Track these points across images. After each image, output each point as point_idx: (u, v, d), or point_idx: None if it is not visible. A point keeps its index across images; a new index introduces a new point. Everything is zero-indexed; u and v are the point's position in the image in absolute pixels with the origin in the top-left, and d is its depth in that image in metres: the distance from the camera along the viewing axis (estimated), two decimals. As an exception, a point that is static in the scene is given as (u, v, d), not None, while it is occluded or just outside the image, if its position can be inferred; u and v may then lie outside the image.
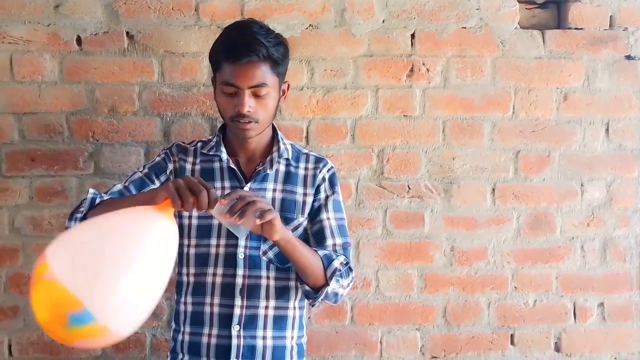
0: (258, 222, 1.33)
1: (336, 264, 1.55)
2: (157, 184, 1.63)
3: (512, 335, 2.06)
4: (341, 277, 1.57)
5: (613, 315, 2.08)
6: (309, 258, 1.51)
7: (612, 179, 2.08)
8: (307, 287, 1.57)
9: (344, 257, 1.61)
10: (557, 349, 2.07)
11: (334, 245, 1.63)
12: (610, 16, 2.06)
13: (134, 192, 1.60)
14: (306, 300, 1.64)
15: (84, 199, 1.55)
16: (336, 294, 1.58)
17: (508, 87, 2.05)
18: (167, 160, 1.68)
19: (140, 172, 1.66)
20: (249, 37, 1.50)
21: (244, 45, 1.48)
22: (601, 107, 2.07)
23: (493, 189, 2.06)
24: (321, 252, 1.56)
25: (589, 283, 2.07)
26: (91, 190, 1.56)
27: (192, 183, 1.28)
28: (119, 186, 1.62)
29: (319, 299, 1.57)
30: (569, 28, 2.06)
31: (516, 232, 2.06)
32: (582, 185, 2.07)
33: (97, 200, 1.54)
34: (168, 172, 1.66)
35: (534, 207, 2.06)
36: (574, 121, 2.07)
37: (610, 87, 2.07)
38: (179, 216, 1.61)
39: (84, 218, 1.51)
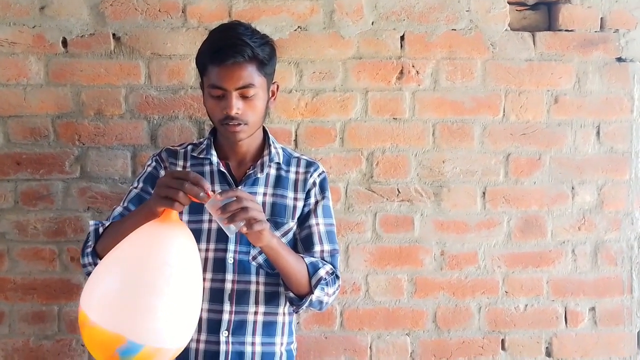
0: (244, 230, 1.31)
1: (322, 272, 1.54)
2: None
3: (502, 340, 2.05)
4: (327, 285, 1.55)
5: (604, 319, 2.06)
6: (293, 265, 1.49)
7: (603, 182, 2.06)
8: (291, 294, 1.55)
9: (331, 266, 1.60)
10: (548, 353, 2.05)
11: (322, 251, 1.61)
12: (601, 18, 2.05)
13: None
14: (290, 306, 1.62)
15: (88, 233, 1.55)
16: (321, 302, 1.56)
17: (498, 89, 2.04)
18: (158, 168, 1.66)
19: (136, 187, 1.64)
20: (234, 38, 1.48)
21: (229, 47, 1.47)
22: (592, 109, 2.06)
23: (483, 193, 2.04)
24: (308, 260, 1.55)
25: (580, 287, 2.06)
26: (91, 222, 1.56)
27: (171, 181, 1.26)
28: (119, 209, 1.61)
29: (303, 307, 1.55)
30: (560, 30, 2.04)
31: (507, 236, 2.05)
32: (573, 188, 2.06)
33: (100, 230, 1.54)
34: None
35: (524, 211, 2.05)
36: (565, 124, 2.05)
37: (601, 89, 2.06)
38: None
39: (94, 250, 1.52)
